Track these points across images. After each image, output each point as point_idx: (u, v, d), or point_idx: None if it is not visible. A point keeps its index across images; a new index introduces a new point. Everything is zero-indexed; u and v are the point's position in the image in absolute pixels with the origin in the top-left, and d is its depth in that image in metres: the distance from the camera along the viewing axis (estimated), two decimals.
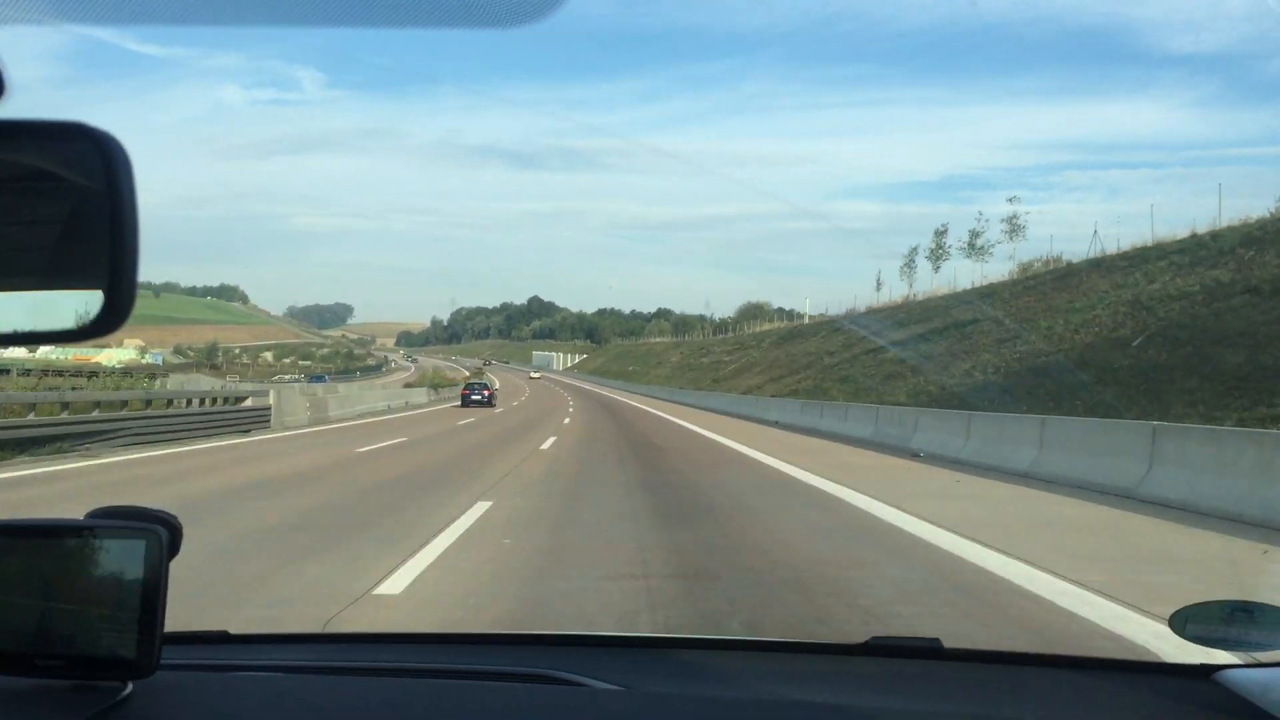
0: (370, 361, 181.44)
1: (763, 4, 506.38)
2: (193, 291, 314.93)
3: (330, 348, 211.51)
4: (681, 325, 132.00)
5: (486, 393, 44.60)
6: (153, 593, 1.09)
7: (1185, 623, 1.57)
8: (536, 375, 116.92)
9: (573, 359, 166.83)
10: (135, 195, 0.88)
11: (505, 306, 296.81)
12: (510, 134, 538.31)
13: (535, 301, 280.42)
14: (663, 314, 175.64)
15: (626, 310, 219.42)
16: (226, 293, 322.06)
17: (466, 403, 43.14)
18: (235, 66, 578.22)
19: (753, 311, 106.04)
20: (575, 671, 1.51)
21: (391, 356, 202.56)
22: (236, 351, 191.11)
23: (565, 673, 1.51)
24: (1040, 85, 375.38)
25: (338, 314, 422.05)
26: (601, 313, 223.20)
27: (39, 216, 0.95)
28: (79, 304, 0.92)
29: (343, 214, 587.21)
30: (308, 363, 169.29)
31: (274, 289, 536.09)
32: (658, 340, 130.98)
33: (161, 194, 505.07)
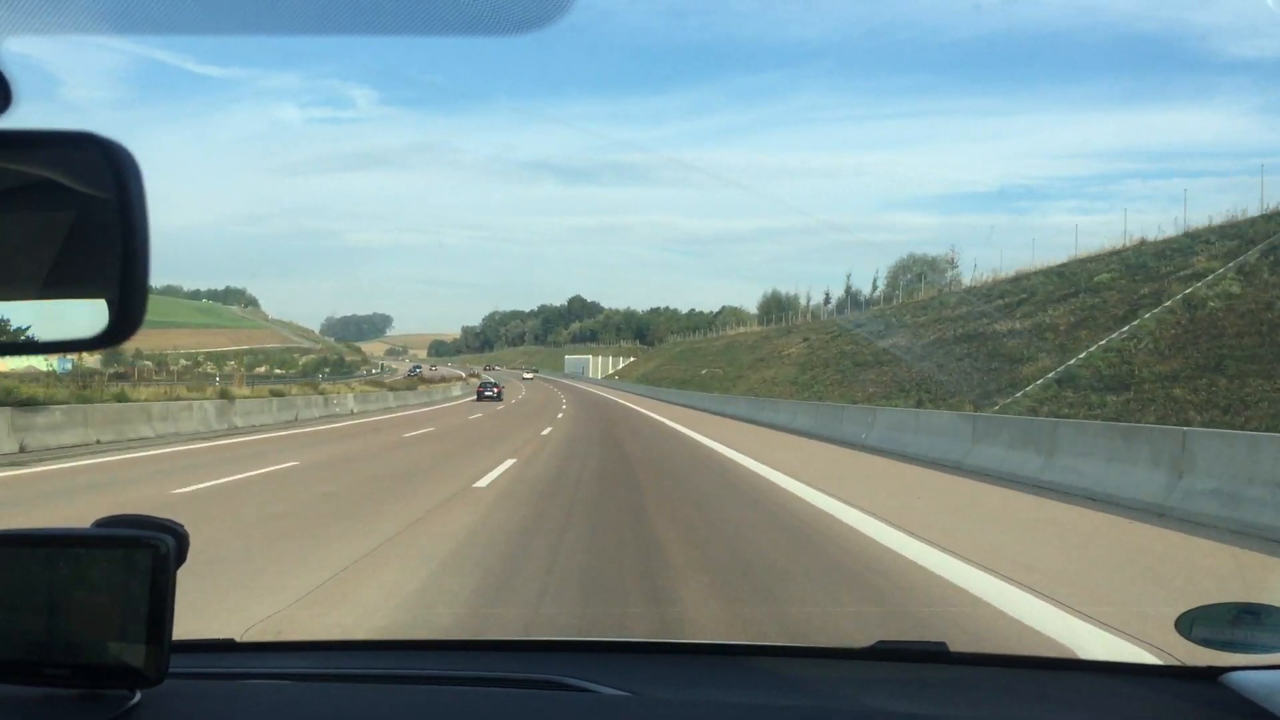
0: (364, 370, 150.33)
1: (814, 15, 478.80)
2: (195, 295, 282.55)
3: (316, 354, 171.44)
4: (774, 308, 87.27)
5: (496, 389, 53.24)
6: (160, 601, 1.09)
7: (1192, 625, 1.55)
8: (530, 376, 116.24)
9: (617, 363, 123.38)
10: (145, 204, 0.87)
11: (543, 309, 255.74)
12: (562, 149, 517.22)
13: (576, 302, 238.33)
14: (727, 312, 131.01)
15: (683, 310, 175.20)
16: (233, 296, 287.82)
17: (480, 398, 50.34)
18: (292, 86, 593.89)
19: (916, 268, 61.66)
20: (582, 678, 1.50)
21: (389, 364, 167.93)
22: (200, 359, 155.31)
23: (572, 679, 1.49)
24: (1098, 93, 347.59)
25: (376, 325, 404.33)
26: (655, 311, 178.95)
27: (50, 226, 0.93)
28: (90, 312, 0.91)
29: (394, 229, 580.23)
30: (280, 371, 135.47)
31: (320, 302, 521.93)
32: (743, 330, 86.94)
33: (219, 211, 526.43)
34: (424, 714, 1.33)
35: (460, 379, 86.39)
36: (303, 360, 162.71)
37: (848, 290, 63.66)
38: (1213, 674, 1.52)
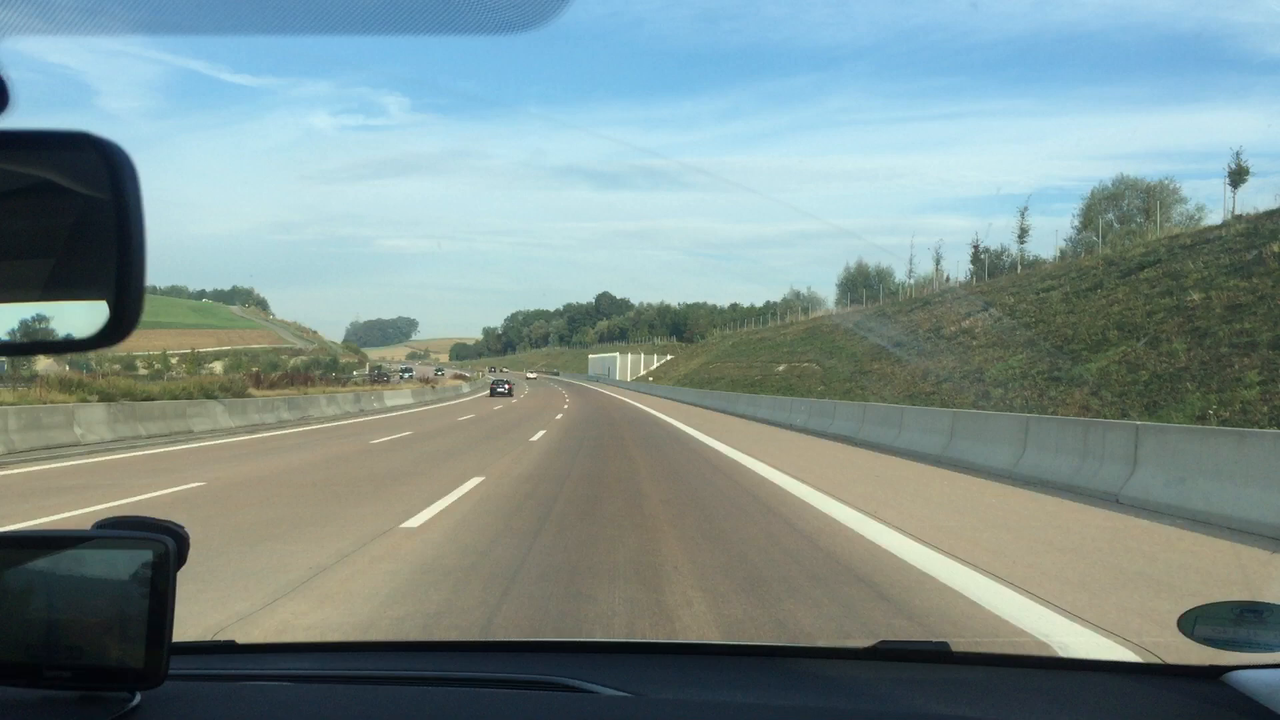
0: (356, 374, 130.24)
1: (846, 19, 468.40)
2: (199, 295, 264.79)
3: (308, 354, 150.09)
4: (860, 284, 63.22)
5: (507, 386, 59.07)
6: (160, 603, 1.08)
7: (1194, 623, 1.54)
8: (533, 376, 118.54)
9: (650, 361, 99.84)
10: (141, 204, 0.87)
11: (569, 308, 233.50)
12: (593, 154, 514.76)
13: (605, 299, 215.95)
14: (790, 297, 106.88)
15: (723, 304, 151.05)
16: (239, 296, 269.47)
17: (493, 393, 56.67)
18: (324, 93, 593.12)
19: (1129, 196, 38.46)
20: (582, 678, 1.49)
21: (387, 366, 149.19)
22: (171, 360, 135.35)
23: (572, 679, 1.49)
24: (1135, 94, 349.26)
25: (401, 329, 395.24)
26: (694, 305, 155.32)
27: (45, 226, 0.93)
28: (86, 313, 0.90)
29: (424, 235, 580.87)
30: (270, 372, 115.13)
31: (349, 307, 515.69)
32: (824, 314, 63.32)
33: (254, 219, 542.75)
34: (423, 715, 1.32)
35: (429, 382, 68.30)
36: (291, 362, 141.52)
37: (1018, 232, 39.57)
38: (1215, 673, 1.51)
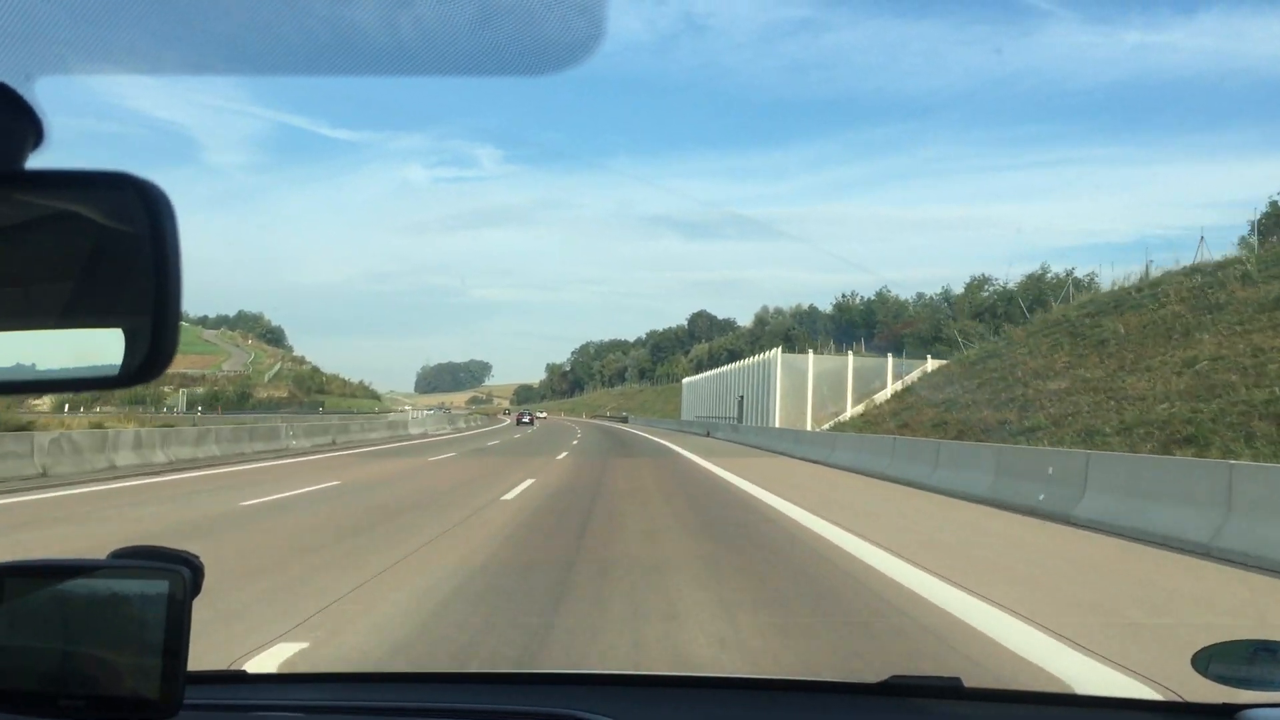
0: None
1: (939, 66, 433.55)
2: (204, 321, 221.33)
3: (212, 384, 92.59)
4: None
5: (529, 418, 75.02)
6: (176, 632, 1.08)
7: (1208, 662, 1.54)
8: (544, 416, 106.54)
9: (882, 374, 37.55)
10: (179, 243, 0.88)
11: (652, 336, 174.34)
12: (682, 204, 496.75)
13: (701, 319, 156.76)
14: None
15: (908, 291, 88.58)
16: (245, 321, 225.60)
17: (519, 423, 69.69)
18: (419, 147, 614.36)
19: None
20: (591, 710, 1.50)
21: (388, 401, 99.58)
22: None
23: (582, 712, 1.49)
24: (1239, 140, 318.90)
25: (474, 373, 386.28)
26: (874, 300, 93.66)
27: (82, 264, 0.93)
28: (121, 350, 0.91)
29: (514, 284, 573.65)
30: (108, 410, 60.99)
31: (434, 354, 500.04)
32: None
33: (349, 270, 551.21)
34: None
35: None
36: (171, 397, 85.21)
37: None
38: (1229, 711, 1.49)
